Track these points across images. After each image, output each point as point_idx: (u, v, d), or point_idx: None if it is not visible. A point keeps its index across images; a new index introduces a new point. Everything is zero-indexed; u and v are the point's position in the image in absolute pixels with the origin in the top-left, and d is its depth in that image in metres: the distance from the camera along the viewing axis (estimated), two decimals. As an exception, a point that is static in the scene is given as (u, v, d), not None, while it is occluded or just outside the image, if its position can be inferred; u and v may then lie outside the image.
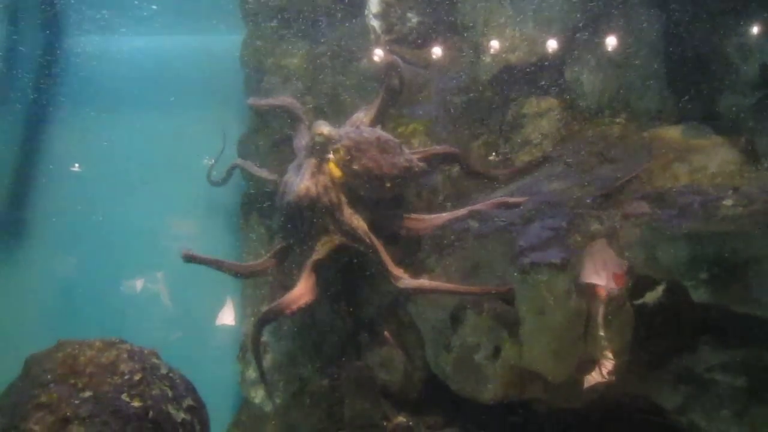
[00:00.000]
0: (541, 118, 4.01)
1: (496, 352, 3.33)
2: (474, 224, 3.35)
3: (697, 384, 3.14)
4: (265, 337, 4.30)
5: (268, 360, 4.19)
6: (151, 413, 2.65)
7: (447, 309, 3.42)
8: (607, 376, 3.29)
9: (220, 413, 4.38)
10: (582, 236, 3.12)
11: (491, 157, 4.08)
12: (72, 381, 2.66)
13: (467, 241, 3.36)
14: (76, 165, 5.14)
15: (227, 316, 4.83)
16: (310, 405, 3.75)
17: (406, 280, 3.40)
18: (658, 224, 2.88)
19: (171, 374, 2.94)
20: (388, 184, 3.52)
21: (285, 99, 4.38)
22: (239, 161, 4.59)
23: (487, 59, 4.10)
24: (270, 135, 4.69)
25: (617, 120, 3.88)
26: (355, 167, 3.48)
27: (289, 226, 3.76)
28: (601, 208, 3.21)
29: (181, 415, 2.78)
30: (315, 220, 3.54)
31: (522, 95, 4.12)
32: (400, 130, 4.08)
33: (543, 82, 4.08)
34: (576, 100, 4.00)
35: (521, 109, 4.07)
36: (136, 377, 2.75)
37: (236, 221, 4.87)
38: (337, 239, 3.53)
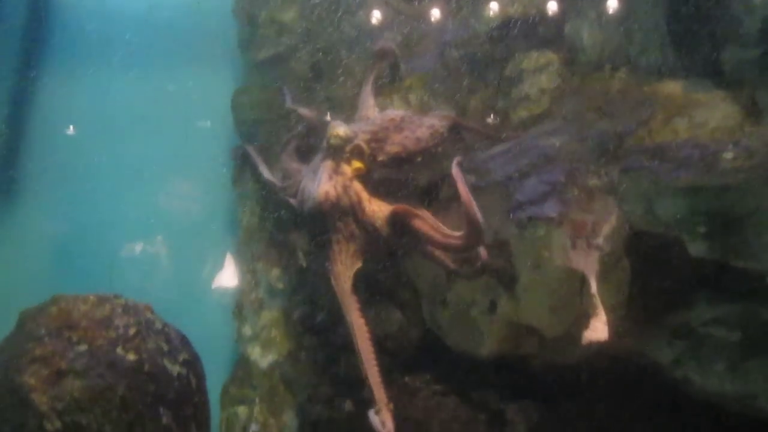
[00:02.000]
0: (540, 73, 3.95)
1: (492, 307, 3.34)
2: (471, 178, 3.32)
3: (692, 339, 3.15)
4: (261, 294, 4.31)
5: (264, 317, 4.21)
6: (146, 366, 2.66)
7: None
8: (602, 332, 3.31)
9: (217, 370, 4.42)
10: (579, 191, 3.10)
11: (489, 119, 4.02)
12: (66, 335, 2.65)
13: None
14: (71, 127, 5.08)
15: (224, 276, 4.82)
16: (305, 361, 3.77)
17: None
18: (657, 178, 2.85)
19: (166, 329, 2.93)
20: (420, 159, 3.45)
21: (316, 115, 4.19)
22: (250, 149, 4.43)
23: (486, 12, 4.02)
24: (267, 92, 4.63)
25: (617, 75, 3.81)
26: (381, 158, 3.38)
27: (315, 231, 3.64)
28: (599, 162, 3.19)
29: (176, 369, 2.78)
30: (337, 224, 3.37)
31: (521, 50, 4.05)
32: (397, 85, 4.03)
33: (542, 37, 4.01)
34: (576, 55, 3.93)
35: (520, 63, 4.00)
36: (131, 331, 2.74)
37: (229, 177, 4.83)
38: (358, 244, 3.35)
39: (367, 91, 3.84)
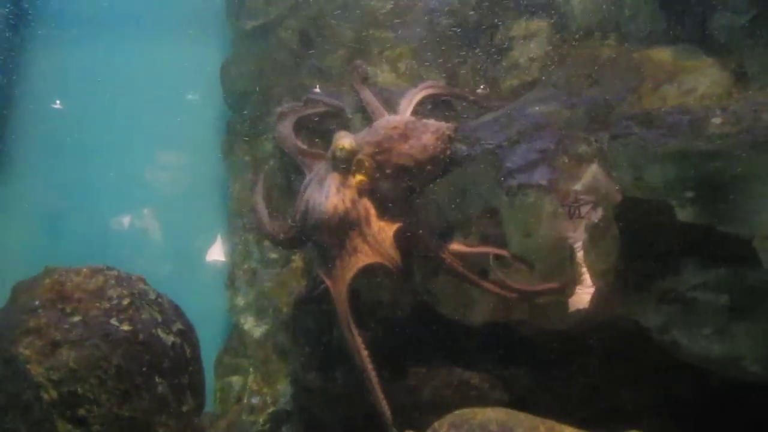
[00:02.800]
0: (530, 40, 3.94)
1: (484, 274, 3.37)
2: (461, 147, 3.33)
3: (679, 304, 3.19)
4: (254, 264, 4.34)
5: (256, 287, 4.23)
6: (140, 336, 2.68)
7: (434, 232, 3.43)
8: (592, 298, 3.35)
9: (211, 341, 4.46)
10: (569, 158, 3.11)
11: (479, 88, 4.01)
12: (60, 306, 2.67)
13: (454, 164, 3.34)
14: (57, 102, 5.03)
15: (216, 249, 4.84)
16: (299, 330, 3.80)
17: None
18: (646, 144, 2.87)
19: (159, 299, 2.95)
20: (429, 167, 3.30)
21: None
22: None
23: (475, -22, 4.00)
24: (256, 62, 4.60)
25: (607, 42, 3.81)
26: (388, 171, 3.26)
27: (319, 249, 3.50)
28: (589, 129, 3.20)
29: (170, 339, 2.81)
30: (344, 239, 3.31)
31: (510, 17, 4.03)
32: (386, 53, 4.01)
33: (532, 4, 3.99)
34: (566, 22, 3.93)
35: (509, 31, 3.99)
36: (125, 302, 2.76)
37: (221, 150, 4.81)
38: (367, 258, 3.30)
39: (370, 99, 3.72)
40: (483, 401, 3.31)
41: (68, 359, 2.51)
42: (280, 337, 3.96)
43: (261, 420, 3.97)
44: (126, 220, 4.88)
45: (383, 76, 4.02)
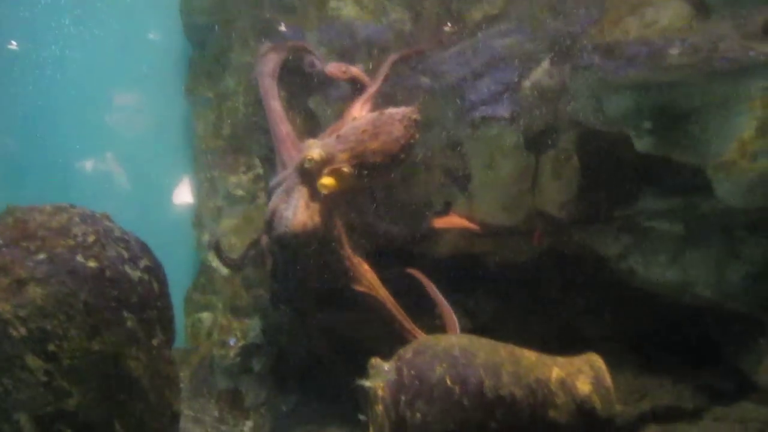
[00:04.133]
0: (494, -27, 3.89)
1: (447, 207, 3.43)
2: (425, 80, 3.33)
3: (637, 232, 3.30)
4: (219, 202, 4.33)
5: (223, 224, 4.24)
6: (107, 273, 2.67)
7: (399, 167, 3.46)
8: (553, 229, 3.43)
9: (180, 279, 4.48)
10: (531, 90, 3.13)
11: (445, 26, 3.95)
12: (24, 244, 2.64)
13: (418, 97, 3.35)
14: (13, 43, 4.86)
15: (181, 188, 4.80)
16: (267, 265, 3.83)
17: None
18: (606, 75, 2.90)
19: (125, 236, 2.94)
20: (403, 155, 3.24)
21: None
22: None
23: None
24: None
25: (571, -27, 3.78)
26: (365, 172, 3.17)
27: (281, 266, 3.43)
28: (551, 62, 3.21)
29: (138, 275, 2.80)
30: (312, 261, 3.24)
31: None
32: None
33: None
34: (529, -46, 3.88)
35: (474, -36, 3.93)
36: (90, 239, 2.74)
37: (182, 85, 4.72)
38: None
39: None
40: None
41: (35, 296, 2.50)
42: (248, 273, 4.00)
43: (231, 354, 4.04)
44: (89, 163, 4.79)
45: (347, 9, 3.95)
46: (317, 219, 3.15)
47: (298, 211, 3.18)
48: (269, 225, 3.33)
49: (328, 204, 3.15)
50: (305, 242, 3.17)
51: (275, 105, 3.62)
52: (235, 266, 3.90)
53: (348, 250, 3.24)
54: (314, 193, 3.17)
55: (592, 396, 2.48)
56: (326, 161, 3.14)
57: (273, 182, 3.49)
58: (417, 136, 3.27)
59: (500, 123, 3.08)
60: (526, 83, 3.16)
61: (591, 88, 3.03)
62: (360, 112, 3.42)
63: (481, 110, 3.11)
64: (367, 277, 3.24)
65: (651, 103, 2.85)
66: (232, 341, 4.06)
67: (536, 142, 3.19)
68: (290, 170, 3.33)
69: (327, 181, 3.09)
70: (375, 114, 3.25)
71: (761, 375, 2.88)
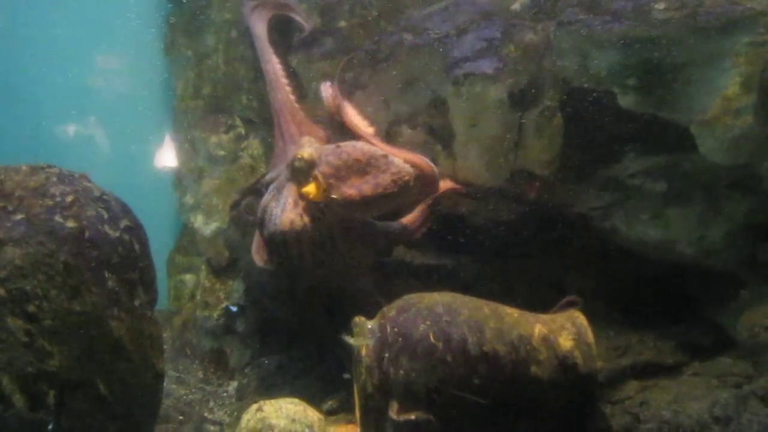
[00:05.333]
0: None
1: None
2: (408, 37, 3.28)
3: (620, 191, 3.30)
4: (200, 162, 4.28)
5: (205, 185, 4.20)
6: (87, 233, 2.64)
7: (381, 125, 3.43)
8: (537, 187, 3.43)
9: (162, 241, 4.45)
10: (516, 46, 3.10)
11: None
12: (1, 205, 2.60)
13: (401, 55, 3.30)
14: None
15: (161, 149, 4.74)
16: (249, 225, 3.81)
17: None
18: (591, 31, 2.87)
19: (105, 196, 2.90)
20: (376, 206, 3.16)
21: None
22: None
23: None
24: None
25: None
26: (334, 196, 3.07)
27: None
28: (535, 17, 3.17)
29: (118, 235, 2.77)
30: (302, 260, 3.18)
31: None
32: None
33: None
34: None
35: None
36: (68, 199, 2.70)
37: (161, 43, 4.63)
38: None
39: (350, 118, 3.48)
40: (432, 289, 3.42)
41: (14, 257, 2.47)
42: (230, 233, 3.97)
43: (215, 315, 4.04)
44: (66, 125, 4.72)
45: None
46: (306, 218, 3.11)
47: (286, 209, 3.15)
48: (261, 223, 3.32)
49: (319, 203, 3.10)
50: (295, 240, 3.13)
51: (269, 68, 3.59)
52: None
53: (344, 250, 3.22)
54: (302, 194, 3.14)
55: (574, 352, 2.50)
56: (314, 163, 3.10)
57: (269, 176, 3.47)
58: (397, 193, 3.14)
59: (484, 80, 3.05)
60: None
61: (575, 44, 3.00)
62: (370, 133, 3.39)
63: (465, 67, 3.07)
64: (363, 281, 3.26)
65: (635, 58, 2.83)
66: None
67: (520, 100, 3.16)
68: (283, 167, 3.30)
69: (309, 188, 3.07)
70: (379, 152, 3.15)
71: (739, 331, 2.92)
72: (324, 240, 3.14)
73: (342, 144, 3.18)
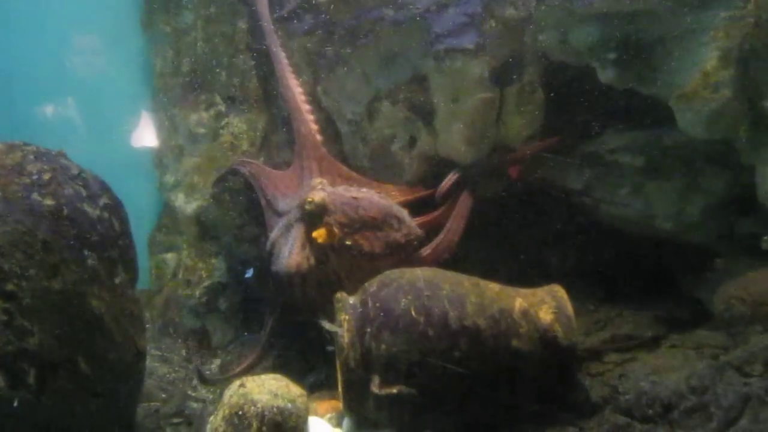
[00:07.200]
0: None
1: (412, 142, 3.41)
2: (389, 12, 3.25)
3: (600, 166, 3.32)
4: (181, 141, 4.24)
5: (185, 163, 4.17)
6: (65, 211, 2.61)
7: (362, 102, 3.42)
8: (517, 163, 3.45)
9: (143, 220, 4.42)
10: (497, 22, 3.09)
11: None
12: (-23, 183, 2.57)
13: (382, 30, 3.28)
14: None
15: (141, 128, 4.68)
16: (230, 203, 3.80)
17: None
18: (572, 6, 2.87)
19: (83, 174, 2.87)
20: (380, 263, 3.11)
21: None
22: None
23: None
24: None
25: None
26: (348, 242, 3.09)
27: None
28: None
29: (97, 213, 2.75)
30: (307, 297, 3.22)
31: None
32: None
33: None
34: None
35: None
36: (46, 177, 2.67)
37: (138, 20, 4.56)
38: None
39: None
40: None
41: (-9, 235, 2.45)
42: (212, 212, 3.95)
43: (197, 293, 4.03)
44: (47, 108, 4.65)
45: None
46: (313, 260, 3.15)
47: (294, 251, 3.19)
48: (269, 257, 3.38)
49: (326, 246, 3.11)
50: (300, 282, 3.19)
51: (290, 96, 3.62)
52: None
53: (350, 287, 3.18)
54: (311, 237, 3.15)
55: (554, 325, 2.53)
56: (326, 209, 3.10)
57: (281, 204, 3.50)
58: (405, 252, 3.20)
59: (465, 55, 3.04)
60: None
61: (556, 19, 3.00)
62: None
63: (446, 42, 3.06)
64: None
65: (615, 33, 2.83)
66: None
67: (501, 75, 3.16)
68: (296, 201, 3.31)
69: (320, 233, 3.07)
70: (394, 210, 3.20)
71: (715, 303, 2.96)
72: (331, 280, 3.16)
73: (359, 196, 3.19)
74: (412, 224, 3.23)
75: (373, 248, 3.10)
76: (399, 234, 3.17)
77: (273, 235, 3.42)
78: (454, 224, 3.38)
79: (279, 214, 3.50)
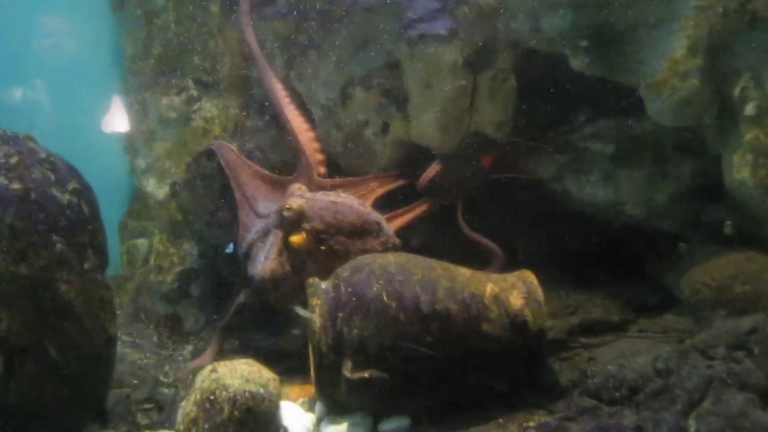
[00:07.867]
0: None
1: (385, 128, 3.40)
2: (362, -3, 3.24)
3: (571, 153, 3.36)
4: (152, 125, 4.20)
5: (156, 148, 4.13)
6: (33, 195, 2.58)
7: (336, 87, 3.40)
8: (490, 150, 3.46)
9: (113, 205, 4.37)
10: (470, 8, 3.09)
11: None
12: (-58, 167, 2.52)
13: (355, 15, 3.26)
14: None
15: (111, 111, 4.62)
16: (203, 188, 3.77)
17: None
18: (544, -8, 2.89)
19: (52, 158, 2.83)
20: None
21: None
22: None
23: None
24: None
25: None
26: (323, 248, 3.09)
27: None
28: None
29: (66, 197, 2.72)
30: (282, 300, 3.20)
31: None
32: None
33: None
34: None
35: None
36: (13, 160, 2.62)
37: (110, 4, 4.49)
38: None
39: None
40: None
41: (-44, 220, 2.41)
42: (184, 197, 3.92)
43: (169, 279, 4.00)
44: (15, 91, 4.56)
45: None
46: (287, 267, 3.14)
47: (270, 257, 3.17)
48: (245, 258, 3.37)
49: (303, 252, 3.12)
50: (274, 287, 3.17)
51: (287, 115, 3.59)
52: None
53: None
54: (288, 244, 3.14)
55: (524, 309, 2.55)
56: (304, 216, 3.10)
57: (261, 208, 3.47)
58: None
59: (438, 41, 3.04)
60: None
61: (529, 6, 3.01)
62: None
63: (419, 28, 3.06)
64: None
65: (587, 21, 2.85)
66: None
67: (474, 62, 3.17)
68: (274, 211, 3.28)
69: (296, 239, 3.08)
70: (373, 217, 3.20)
71: (682, 288, 3.01)
72: (306, 283, 3.14)
73: (338, 201, 3.19)
74: (390, 232, 3.25)
75: (348, 252, 3.10)
76: (377, 241, 3.18)
77: (250, 237, 3.41)
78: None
79: (258, 215, 3.49)
